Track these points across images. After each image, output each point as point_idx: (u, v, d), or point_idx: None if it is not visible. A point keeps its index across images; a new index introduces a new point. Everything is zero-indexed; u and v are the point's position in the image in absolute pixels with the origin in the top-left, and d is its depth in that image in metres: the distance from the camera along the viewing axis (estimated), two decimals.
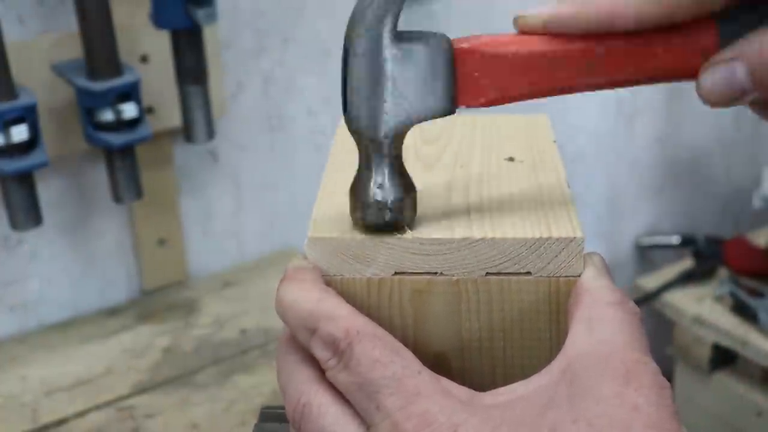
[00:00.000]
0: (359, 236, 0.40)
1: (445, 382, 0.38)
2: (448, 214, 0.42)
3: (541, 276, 0.40)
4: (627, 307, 0.40)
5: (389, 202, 0.40)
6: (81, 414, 0.83)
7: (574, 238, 0.40)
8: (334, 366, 0.38)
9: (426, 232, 0.40)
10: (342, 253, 0.40)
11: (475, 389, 0.42)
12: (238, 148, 1.08)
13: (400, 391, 0.37)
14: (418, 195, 0.43)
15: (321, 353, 0.39)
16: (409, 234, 0.40)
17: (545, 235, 0.40)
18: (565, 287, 0.40)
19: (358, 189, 0.40)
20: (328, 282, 0.41)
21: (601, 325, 0.38)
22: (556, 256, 0.40)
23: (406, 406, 0.37)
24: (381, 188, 0.40)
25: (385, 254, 0.40)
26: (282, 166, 1.13)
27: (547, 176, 0.46)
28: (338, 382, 0.38)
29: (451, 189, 0.44)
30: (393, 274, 0.40)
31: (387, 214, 0.40)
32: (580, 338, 0.38)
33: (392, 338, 0.39)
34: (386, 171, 0.40)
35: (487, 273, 0.40)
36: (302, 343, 0.40)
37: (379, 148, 0.39)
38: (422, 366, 0.38)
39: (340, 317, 0.39)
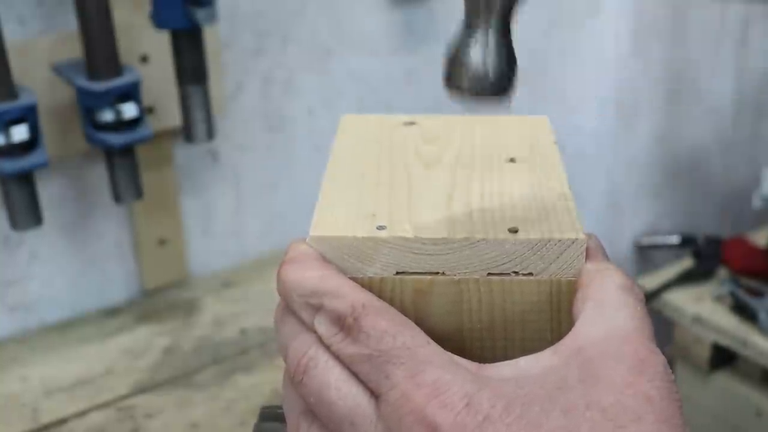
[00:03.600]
0: (361, 235, 0.40)
1: (452, 354, 0.38)
2: (450, 214, 0.42)
3: (542, 277, 0.40)
4: (636, 291, 0.40)
5: (497, 66, 0.38)
6: (81, 414, 0.83)
7: (576, 239, 0.40)
8: (340, 341, 0.38)
9: (428, 231, 0.40)
10: (344, 252, 0.40)
11: None
12: (238, 148, 1.08)
13: (411, 361, 0.37)
14: (420, 195, 0.43)
15: (326, 330, 0.38)
16: (410, 233, 0.40)
17: (547, 236, 0.40)
18: (567, 288, 0.40)
19: (461, 51, 0.38)
20: None
21: (613, 310, 0.38)
22: (558, 257, 0.40)
23: (416, 375, 0.36)
24: (487, 50, 0.38)
25: (387, 253, 0.40)
26: (282, 166, 1.13)
27: (548, 177, 0.46)
28: (344, 355, 0.38)
29: (453, 189, 0.44)
30: (395, 274, 0.40)
31: (495, 78, 0.38)
32: (592, 321, 0.38)
33: (398, 312, 0.39)
34: (496, 32, 0.38)
35: (489, 273, 0.40)
36: (306, 323, 0.40)
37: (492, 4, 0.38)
38: (429, 338, 0.38)
39: (344, 293, 0.39)
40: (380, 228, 0.40)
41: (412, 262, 0.40)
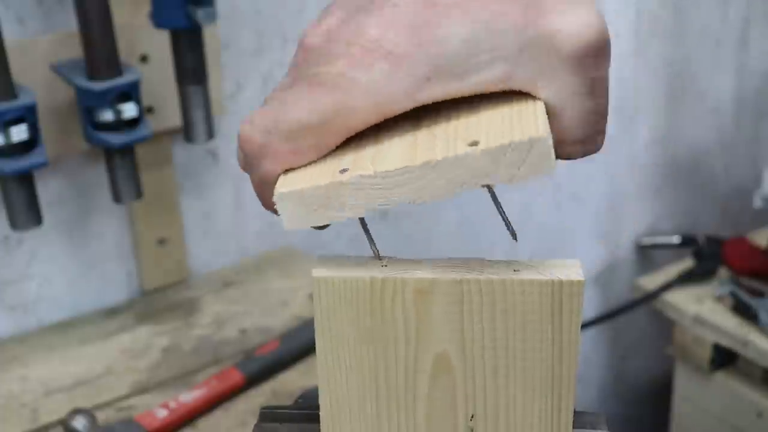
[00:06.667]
0: (324, 182, 0.40)
1: None
2: (413, 144, 0.41)
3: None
4: None
5: None
6: None
7: (538, 138, 0.37)
8: None
9: (388, 164, 0.40)
10: (312, 203, 0.40)
11: (476, 389, 0.42)
12: None
13: None
14: (387, 135, 0.42)
15: None
16: (370, 170, 0.39)
17: (506, 141, 0.38)
18: (569, 288, 0.40)
19: None
20: (330, 282, 0.41)
21: None
22: (524, 161, 0.38)
23: None
24: None
25: (353, 196, 0.39)
26: None
27: (520, 99, 0.42)
28: None
29: (419, 124, 0.43)
30: (363, 213, 0.40)
31: None
32: None
33: None
34: None
35: (455, 192, 0.39)
36: None
37: None
38: None
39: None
40: (342, 172, 0.40)
41: (380, 199, 0.39)
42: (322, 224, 0.40)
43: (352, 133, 0.41)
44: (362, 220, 0.42)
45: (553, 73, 0.40)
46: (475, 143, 0.38)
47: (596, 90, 0.41)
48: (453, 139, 0.39)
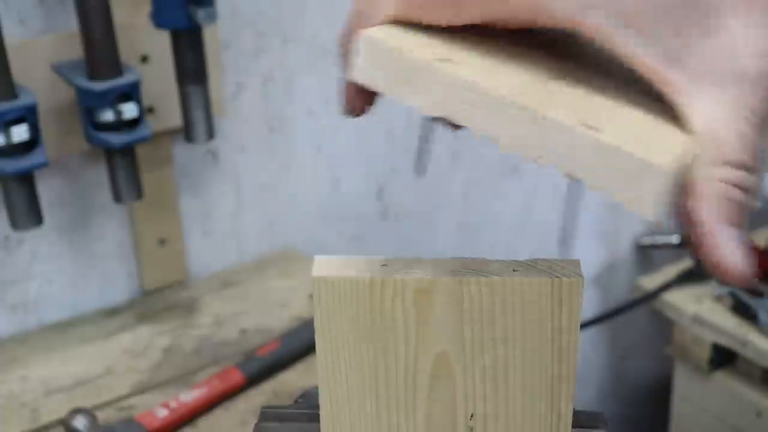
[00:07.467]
0: (418, 56, 0.36)
1: None
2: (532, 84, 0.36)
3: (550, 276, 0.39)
4: None
5: None
6: None
7: (659, 167, 0.31)
8: None
9: (496, 82, 0.35)
10: (388, 66, 0.37)
11: (476, 389, 0.42)
12: (238, 148, 1.08)
13: None
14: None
15: None
16: (471, 77, 0.36)
17: (623, 146, 0.31)
18: (568, 287, 0.40)
19: None
20: (330, 282, 0.41)
21: None
22: (640, 183, 0.32)
23: None
24: None
25: (440, 89, 0.36)
26: (282, 166, 1.13)
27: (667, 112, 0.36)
28: None
29: (551, 77, 0.38)
30: (434, 118, 0.36)
31: None
32: None
33: None
34: None
35: (537, 159, 0.33)
36: None
37: None
38: None
39: None
40: (443, 60, 0.36)
41: (461, 111, 0.35)
42: (389, 94, 0.36)
43: (495, 19, 0.36)
44: (425, 130, 0.38)
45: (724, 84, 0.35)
46: (589, 126, 0.32)
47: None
48: (573, 109, 0.34)
